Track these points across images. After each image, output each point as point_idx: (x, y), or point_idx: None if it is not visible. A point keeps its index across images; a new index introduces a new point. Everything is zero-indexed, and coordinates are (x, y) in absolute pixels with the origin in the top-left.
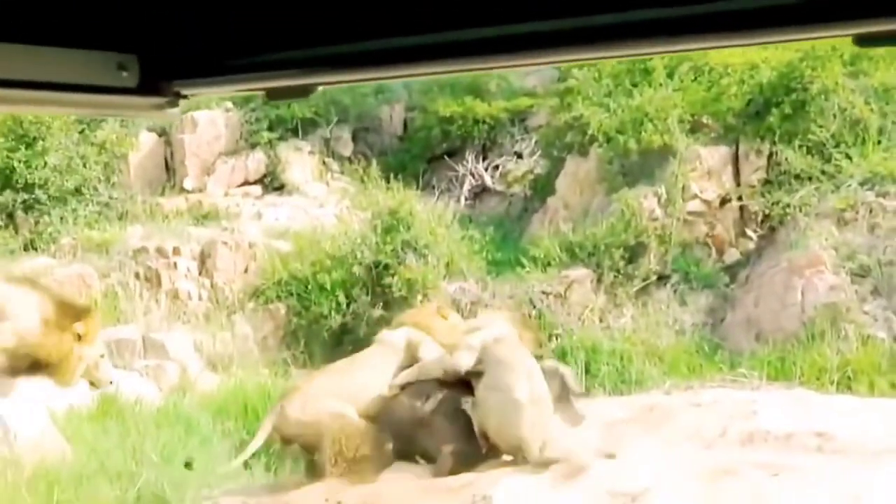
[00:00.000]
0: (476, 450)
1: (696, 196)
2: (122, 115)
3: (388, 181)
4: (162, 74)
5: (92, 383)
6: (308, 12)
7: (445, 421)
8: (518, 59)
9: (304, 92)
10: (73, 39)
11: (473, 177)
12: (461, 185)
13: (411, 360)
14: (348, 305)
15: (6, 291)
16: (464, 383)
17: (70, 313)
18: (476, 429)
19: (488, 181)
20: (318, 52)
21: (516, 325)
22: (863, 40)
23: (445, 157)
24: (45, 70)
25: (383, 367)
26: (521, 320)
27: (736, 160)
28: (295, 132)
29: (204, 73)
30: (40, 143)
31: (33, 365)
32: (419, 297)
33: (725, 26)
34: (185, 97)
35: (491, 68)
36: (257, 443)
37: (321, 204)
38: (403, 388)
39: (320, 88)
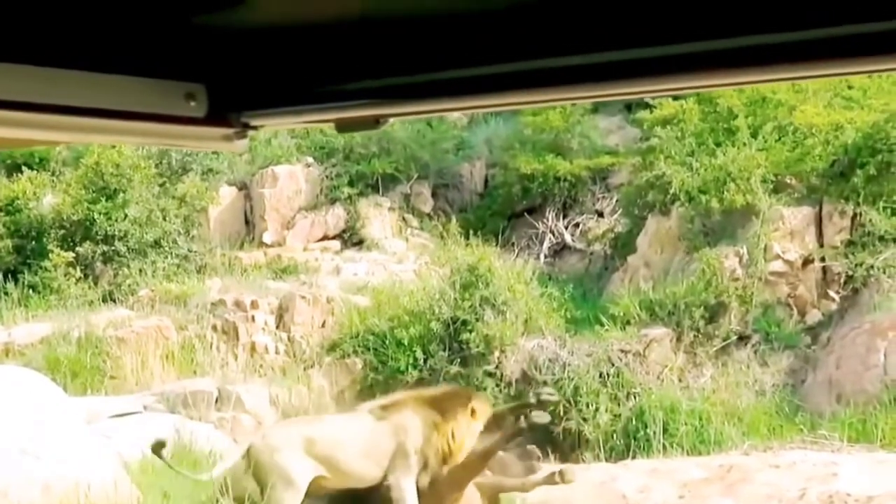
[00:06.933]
0: None
1: (778, 256)
2: (189, 146)
3: (467, 237)
4: (230, 105)
5: None
6: (378, 42)
7: None
8: (594, 91)
9: (375, 123)
10: (141, 68)
11: (553, 234)
12: (541, 243)
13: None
14: (425, 361)
15: None
16: None
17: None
18: None
19: (568, 239)
20: (390, 82)
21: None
22: None
23: (525, 214)
24: (113, 98)
25: None
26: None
27: (819, 221)
28: (375, 188)
29: (273, 104)
30: (121, 195)
31: None
32: (496, 354)
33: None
34: (253, 128)
35: (566, 99)
36: None
37: (400, 259)
38: None
39: (391, 120)
